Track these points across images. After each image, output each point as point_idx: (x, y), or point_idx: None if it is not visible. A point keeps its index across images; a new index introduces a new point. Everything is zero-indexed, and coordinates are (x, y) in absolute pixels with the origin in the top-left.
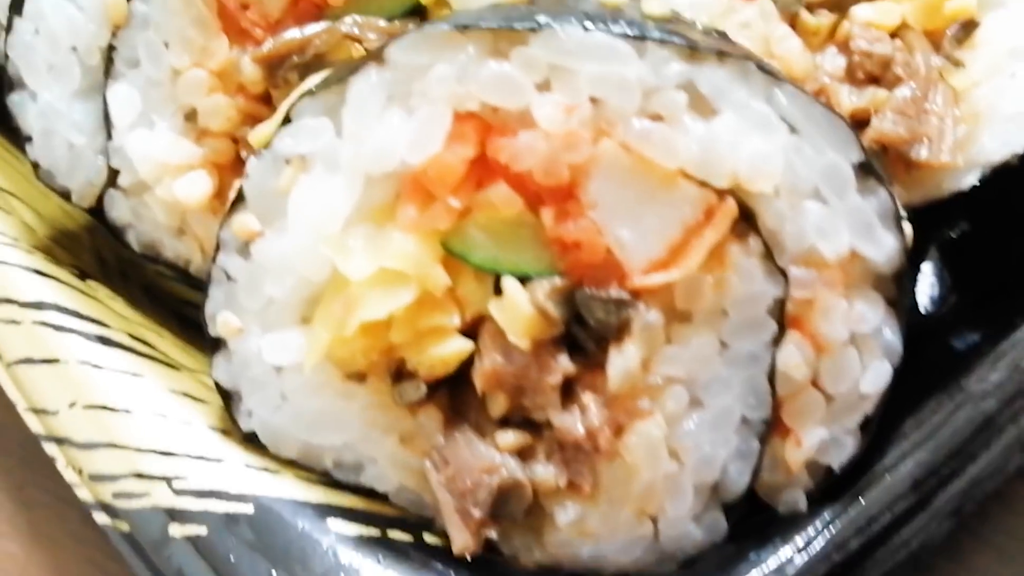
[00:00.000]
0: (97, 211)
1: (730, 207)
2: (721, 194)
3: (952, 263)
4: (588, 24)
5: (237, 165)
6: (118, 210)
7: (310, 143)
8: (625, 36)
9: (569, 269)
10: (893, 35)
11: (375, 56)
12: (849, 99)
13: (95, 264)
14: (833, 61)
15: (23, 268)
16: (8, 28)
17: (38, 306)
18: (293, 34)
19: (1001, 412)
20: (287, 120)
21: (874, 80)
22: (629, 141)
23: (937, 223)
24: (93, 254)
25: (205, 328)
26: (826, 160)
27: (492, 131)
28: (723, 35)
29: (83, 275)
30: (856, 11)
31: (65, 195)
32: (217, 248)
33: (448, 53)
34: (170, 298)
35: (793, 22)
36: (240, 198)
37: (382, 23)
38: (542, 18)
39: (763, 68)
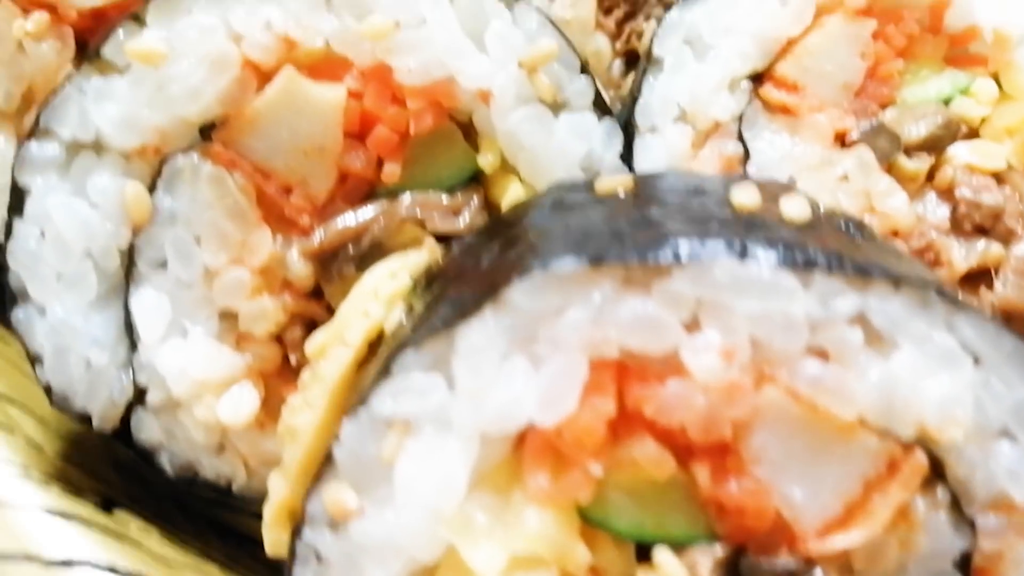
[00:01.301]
0: (121, 433)
1: (919, 462)
2: (906, 444)
3: None
4: (738, 246)
5: (285, 371)
6: (147, 431)
7: (417, 403)
8: (789, 265)
9: (729, 534)
10: (997, 178)
11: (490, 296)
12: (962, 258)
13: (115, 477)
14: (936, 211)
15: (41, 510)
16: (7, 233)
17: (67, 565)
18: (346, 220)
19: None
20: (384, 372)
21: (982, 230)
22: (797, 387)
23: None
24: (111, 464)
25: None
26: (1017, 395)
27: (634, 378)
28: (861, 227)
29: (107, 503)
30: (955, 153)
31: (84, 419)
32: (302, 521)
33: (579, 293)
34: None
35: (890, 167)
36: (330, 463)
37: (443, 198)
38: (683, 248)
39: (942, 293)
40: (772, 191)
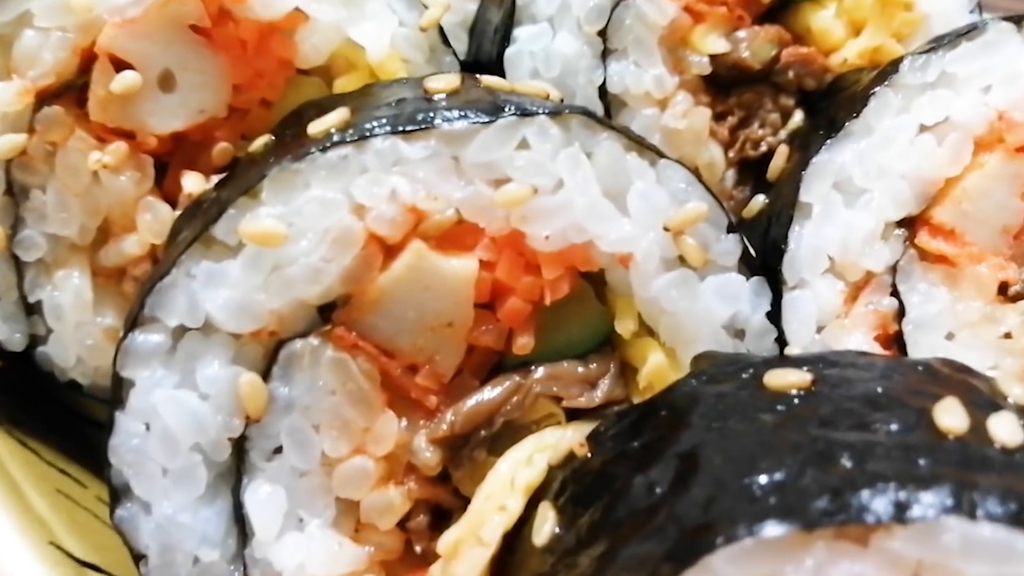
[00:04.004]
0: None
1: None
2: None
3: None
4: (967, 503)
5: (408, 559)
6: None
7: None
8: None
9: None
10: None
11: (688, 561)
12: None
13: None
14: None
15: None
16: (109, 428)
17: None
18: (477, 401)
19: None
20: None
21: None
22: None
23: None
24: None
25: None
26: None
27: None
28: None
29: None
30: None
31: None
32: None
33: (792, 560)
34: None
35: None
36: None
37: (578, 368)
38: (902, 499)
39: None
40: (978, 406)
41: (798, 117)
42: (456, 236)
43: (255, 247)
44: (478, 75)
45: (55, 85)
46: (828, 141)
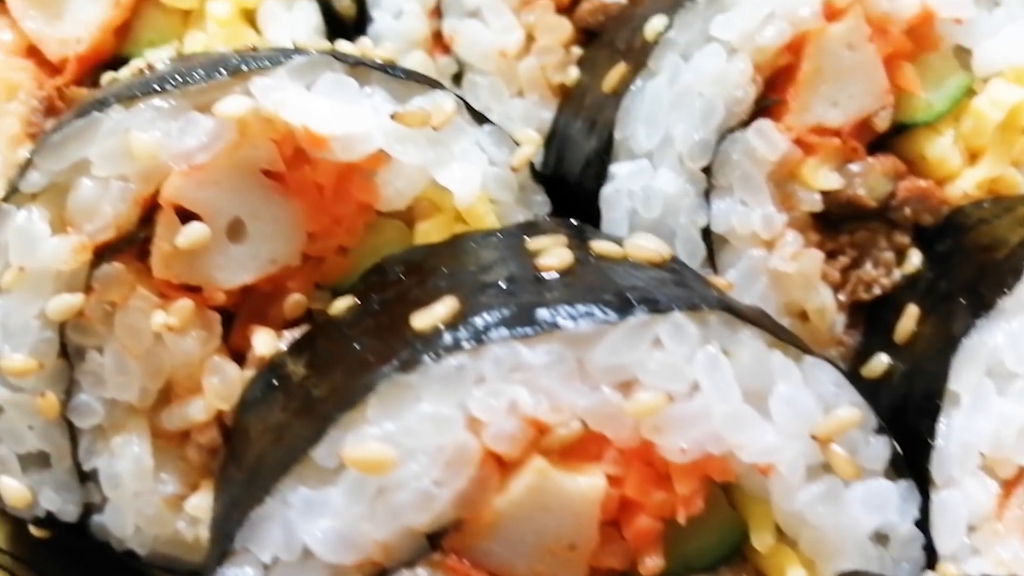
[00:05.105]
0: None
1: None
2: None
3: None
4: None
5: None
6: None
7: None
8: None
9: None
10: None
11: None
12: None
13: None
14: None
15: None
16: None
17: None
18: None
19: None
20: None
21: None
22: None
23: None
24: None
25: None
26: None
27: None
28: None
29: None
30: None
31: None
32: None
33: None
34: None
35: None
36: None
37: None
38: None
39: None
40: None
41: (916, 259)
42: (579, 448)
43: (358, 472)
44: (584, 233)
45: (114, 239)
46: (977, 320)
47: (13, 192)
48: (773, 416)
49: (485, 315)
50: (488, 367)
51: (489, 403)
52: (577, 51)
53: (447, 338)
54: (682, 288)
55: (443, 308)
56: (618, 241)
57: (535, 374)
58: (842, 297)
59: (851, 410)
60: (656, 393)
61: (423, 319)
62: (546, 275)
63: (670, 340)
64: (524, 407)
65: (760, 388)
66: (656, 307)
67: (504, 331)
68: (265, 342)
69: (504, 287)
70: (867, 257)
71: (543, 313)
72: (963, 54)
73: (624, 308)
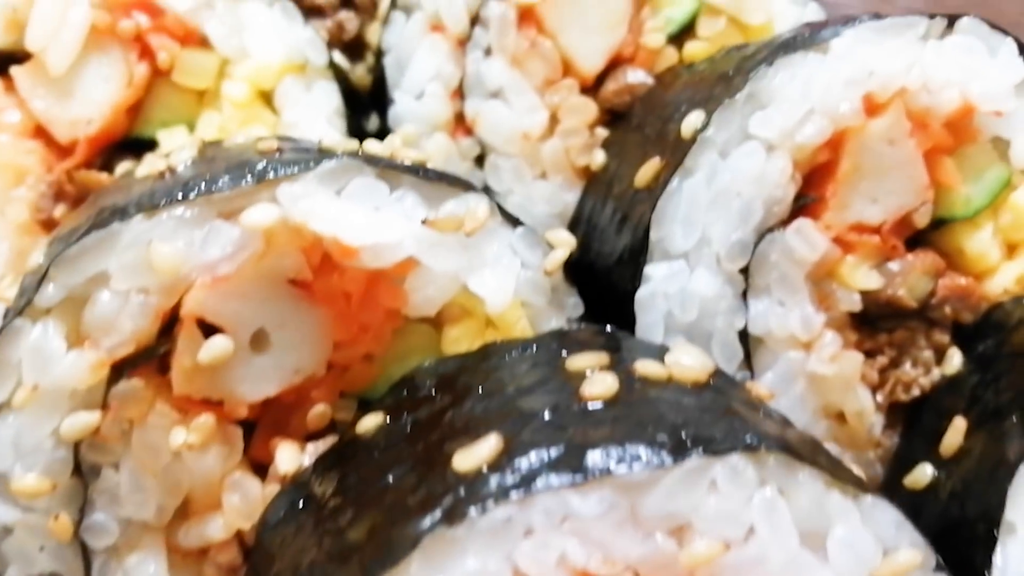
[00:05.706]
0: None
1: None
2: None
3: None
4: None
5: None
6: None
7: None
8: None
9: None
10: None
11: None
12: None
13: None
14: None
15: None
16: None
17: None
18: None
19: None
20: None
21: None
22: None
23: None
24: None
25: None
26: None
27: None
28: None
29: None
30: None
31: None
32: None
33: None
34: None
35: None
36: None
37: None
38: None
39: None
40: None
41: (956, 360)
42: None
43: None
44: (622, 347)
45: (133, 354)
46: None
47: (27, 305)
48: (831, 559)
49: (532, 456)
50: (537, 517)
51: (538, 556)
52: (602, 132)
53: (493, 485)
54: (733, 418)
55: (485, 449)
56: (659, 355)
57: (586, 524)
58: (880, 398)
59: (911, 552)
60: (712, 540)
61: (465, 460)
62: (591, 406)
63: (727, 484)
64: (574, 560)
65: (818, 530)
66: (712, 448)
67: (554, 478)
68: (288, 458)
69: (548, 419)
70: (906, 357)
71: (595, 457)
72: (1001, 144)
73: (679, 450)
